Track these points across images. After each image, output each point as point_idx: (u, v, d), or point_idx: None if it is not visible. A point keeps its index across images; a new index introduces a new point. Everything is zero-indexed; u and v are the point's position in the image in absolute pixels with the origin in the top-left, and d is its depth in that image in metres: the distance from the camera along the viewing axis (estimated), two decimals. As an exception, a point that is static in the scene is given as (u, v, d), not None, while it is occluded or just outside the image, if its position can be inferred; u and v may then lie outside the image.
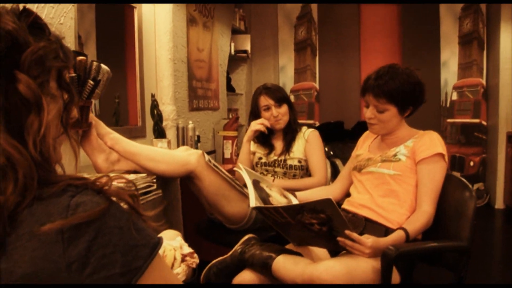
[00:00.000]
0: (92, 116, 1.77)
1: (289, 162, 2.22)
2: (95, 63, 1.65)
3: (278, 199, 1.64)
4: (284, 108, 2.22)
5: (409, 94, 1.57)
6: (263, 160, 2.28)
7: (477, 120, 4.72)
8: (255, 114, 2.26)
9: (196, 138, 3.22)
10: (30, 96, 0.58)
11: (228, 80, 4.66)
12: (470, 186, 1.46)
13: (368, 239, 1.36)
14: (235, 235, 1.80)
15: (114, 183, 0.62)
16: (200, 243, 1.81)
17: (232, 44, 4.61)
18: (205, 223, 2.18)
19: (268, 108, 2.21)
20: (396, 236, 1.41)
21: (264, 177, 1.88)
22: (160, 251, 0.70)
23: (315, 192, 1.88)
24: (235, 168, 2.14)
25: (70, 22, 2.09)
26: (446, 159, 1.54)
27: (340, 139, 3.51)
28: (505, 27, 4.39)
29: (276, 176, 2.25)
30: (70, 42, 2.10)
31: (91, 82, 1.65)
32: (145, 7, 2.73)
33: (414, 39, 4.85)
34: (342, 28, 5.11)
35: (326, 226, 1.35)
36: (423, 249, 1.43)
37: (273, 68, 5.25)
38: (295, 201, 1.71)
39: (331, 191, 1.84)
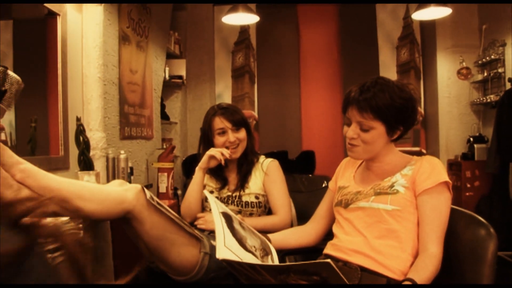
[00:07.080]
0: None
1: (244, 198, 1.88)
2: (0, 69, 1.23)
3: (254, 244, 1.28)
4: (243, 133, 1.88)
5: (400, 110, 1.31)
6: (215, 195, 1.92)
7: (417, 148, 4.71)
8: (207, 139, 1.89)
9: (129, 171, 2.78)
10: None
11: (162, 107, 4.26)
12: (486, 222, 1.20)
13: None
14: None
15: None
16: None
17: (167, 69, 4.25)
18: (144, 273, 1.76)
19: (223, 132, 1.85)
20: None
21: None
22: None
23: (287, 235, 1.55)
24: (204, 191, 1.80)
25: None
26: (451, 188, 1.29)
27: (284, 170, 3.27)
28: (441, 57, 4.48)
29: (231, 214, 1.88)
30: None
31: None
32: (71, 16, 2.29)
33: (353, 67, 4.81)
34: (282, 55, 4.98)
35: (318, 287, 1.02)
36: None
37: (209, 96, 4.94)
38: (271, 248, 1.36)
39: (306, 234, 1.53)
